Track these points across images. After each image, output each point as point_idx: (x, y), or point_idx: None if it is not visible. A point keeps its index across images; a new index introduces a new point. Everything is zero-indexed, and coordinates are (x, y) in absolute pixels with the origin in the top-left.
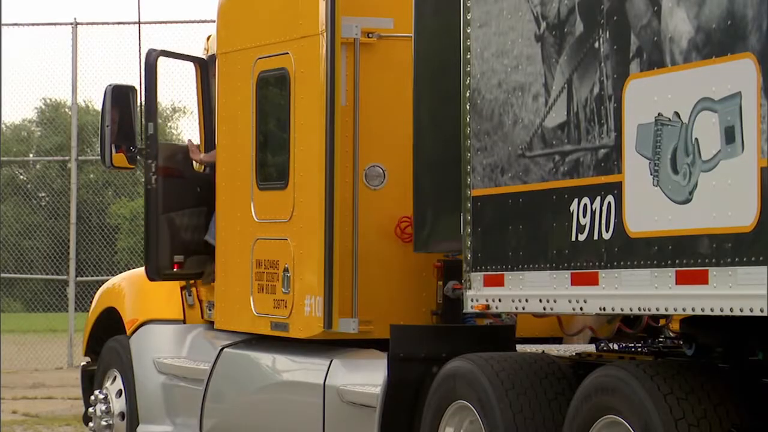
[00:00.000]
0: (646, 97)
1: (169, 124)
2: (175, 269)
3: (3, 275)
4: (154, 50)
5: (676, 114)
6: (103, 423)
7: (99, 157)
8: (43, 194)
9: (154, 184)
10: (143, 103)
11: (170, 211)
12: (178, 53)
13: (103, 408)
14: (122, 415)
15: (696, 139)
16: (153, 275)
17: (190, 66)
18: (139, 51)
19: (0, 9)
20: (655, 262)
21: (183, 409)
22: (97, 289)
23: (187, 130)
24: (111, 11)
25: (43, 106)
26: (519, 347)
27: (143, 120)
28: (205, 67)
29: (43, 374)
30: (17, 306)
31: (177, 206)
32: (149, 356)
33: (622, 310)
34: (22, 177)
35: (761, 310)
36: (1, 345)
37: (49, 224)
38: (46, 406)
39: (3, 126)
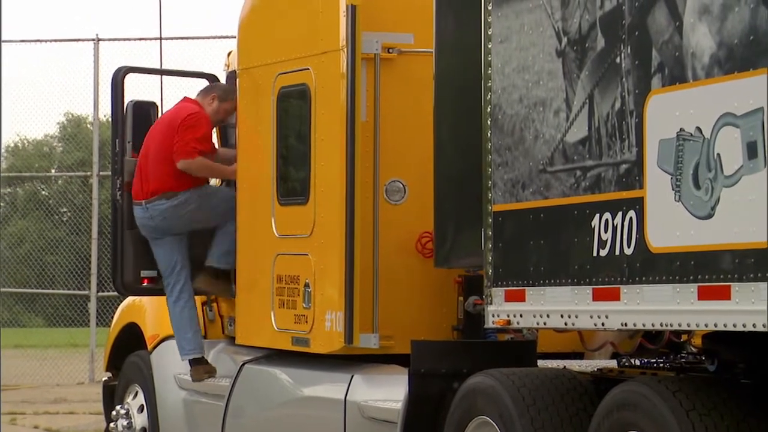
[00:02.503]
0: (668, 112)
1: None
2: (144, 284)
3: (25, 290)
4: (122, 68)
5: (698, 129)
6: None
7: None
8: (65, 209)
9: (120, 200)
10: (111, 119)
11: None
12: (144, 68)
13: (125, 423)
14: (144, 431)
15: (718, 154)
16: (120, 289)
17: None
18: (160, 66)
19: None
20: (677, 277)
21: (204, 424)
22: (119, 305)
23: None
24: (133, 27)
25: (65, 122)
26: (540, 363)
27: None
28: None
29: (65, 389)
30: (39, 321)
31: None
32: (170, 372)
33: (643, 325)
34: (44, 192)
35: None
36: (22, 360)
37: (70, 239)
38: (68, 421)
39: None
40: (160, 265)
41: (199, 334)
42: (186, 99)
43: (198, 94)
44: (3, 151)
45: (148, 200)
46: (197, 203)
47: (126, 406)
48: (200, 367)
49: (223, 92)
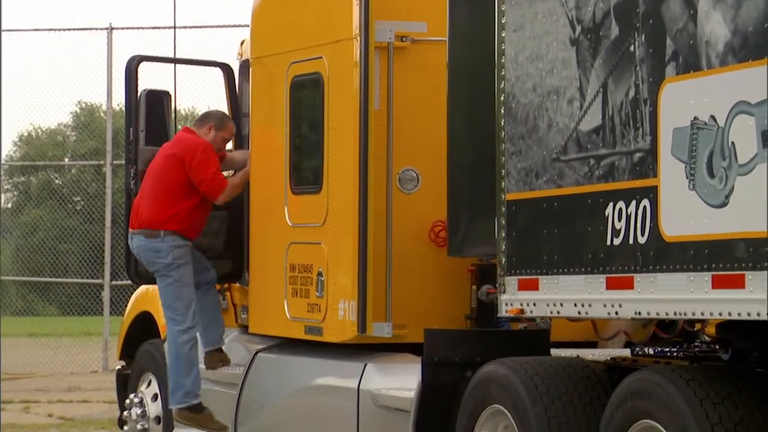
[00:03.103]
0: (682, 100)
1: None
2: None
3: (39, 279)
4: (136, 56)
5: (713, 118)
6: (139, 427)
7: None
8: (79, 198)
9: (133, 189)
10: (125, 108)
11: None
12: (158, 57)
13: (139, 412)
14: (158, 419)
15: (732, 142)
16: (133, 278)
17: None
18: (174, 55)
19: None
20: (691, 266)
21: (217, 412)
22: (132, 294)
23: None
24: (146, 16)
25: (79, 111)
26: (553, 351)
27: (175, 124)
28: (231, 73)
29: (79, 378)
30: (52, 310)
31: None
32: None
33: (657, 314)
34: (57, 181)
35: None
36: (35, 349)
37: (84, 228)
38: (82, 409)
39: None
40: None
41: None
42: (186, 129)
43: (194, 125)
44: (16, 139)
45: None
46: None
47: (140, 395)
48: (215, 355)
49: (218, 121)
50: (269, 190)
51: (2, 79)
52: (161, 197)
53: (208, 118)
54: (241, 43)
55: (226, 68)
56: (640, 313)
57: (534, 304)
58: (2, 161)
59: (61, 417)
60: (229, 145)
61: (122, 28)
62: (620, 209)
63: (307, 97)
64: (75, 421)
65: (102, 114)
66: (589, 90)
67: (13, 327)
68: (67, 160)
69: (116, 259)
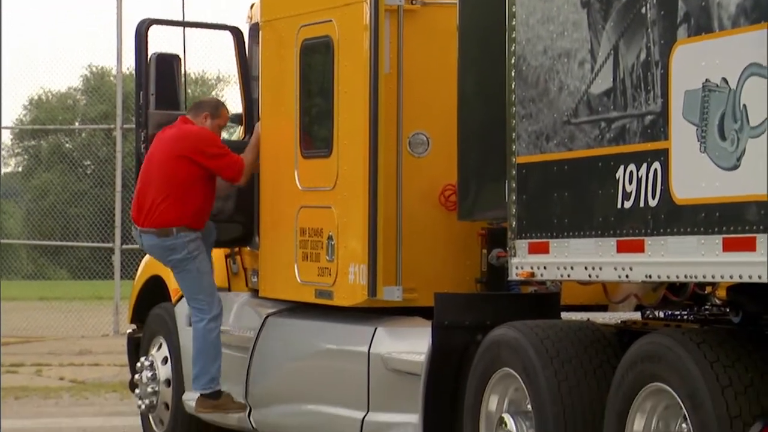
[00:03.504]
0: (694, 62)
1: (213, 93)
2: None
3: (49, 243)
4: (146, 20)
5: (724, 80)
6: (149, 390)
7: None
8: (89, 162)
9: (144, 153)
10: (135, 72)
11: None
12: (168, 20)
13: (149, 375)
14: (168, 382)
15: (744, 105)
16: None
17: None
18: (183, 18)
19: None
20: (701, 229)
21: (228, 376)
22: (143, 257)
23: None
24: None
25: (89, 75)
26: (564, 315)
27: (185, 88)
28: (241, 36)
29: (90, 341)
30: (63, 273)
31: None
32: None
33: (668, 277)
34: (67, 145)
35: None
36: (47, 312)
37: (94, 192)
38: (93, 372)
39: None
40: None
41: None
42: (183, 119)
43: (189, 113)
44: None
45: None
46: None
47: (150, 358)
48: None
49: (213, 108)
50: (279, 153)
51: (2, 41)
52: (171, 195)
53: (203, 106)
54: (251, 6)
55: (235, 31)
56: (650, 277)
57: (544, 268)
58: (12, 124)
59: (72, 380)
60: (239, 109)
61: None
62: (631, 172)
63: (317, 60)
64: (86, 384)
65: (112, 78)
66: (601, 52)
67: (24, 290)
68: (77, 123)
69: (127, 223)
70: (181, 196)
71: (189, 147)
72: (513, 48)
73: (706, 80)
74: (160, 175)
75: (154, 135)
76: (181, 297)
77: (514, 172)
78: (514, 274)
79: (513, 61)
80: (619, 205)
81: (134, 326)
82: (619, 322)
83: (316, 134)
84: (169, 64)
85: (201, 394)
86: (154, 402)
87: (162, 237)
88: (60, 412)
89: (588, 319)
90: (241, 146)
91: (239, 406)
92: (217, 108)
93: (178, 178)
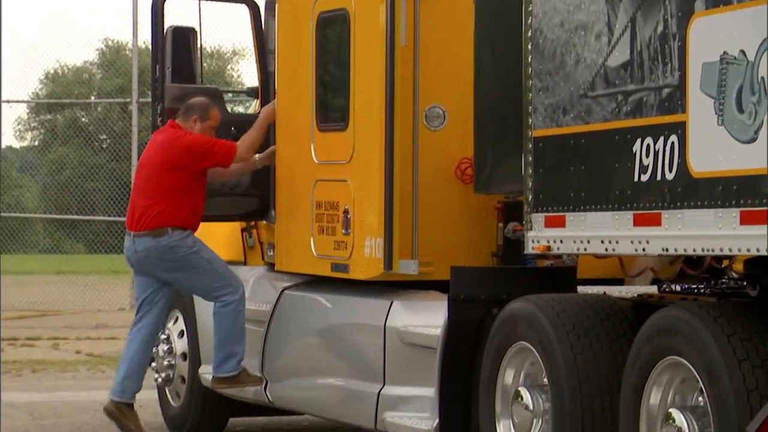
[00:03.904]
0: (712, 35)
1: (229, 66)
2: None
3: (66, 217)
4: None
5: (742, 52)
6: (165, 363)
7: None
8: (105, 137)
9: (160, 126)
10: (151, 46)
11: None
12: None
13: (165, 348)
14: (184, 356)
15: (762, 77)
16: None
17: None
18: None
19: None
20: (719, 202)
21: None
22: None
23: (247, 73)
24: None
25: (104, 48)
26: (580, 288)
27: (201, 61)
28: (257, 10)
29: (106, 315)
30: (80, 247)
31: None
32: None
33: (685, 250)
34: (83, 119)
35: None
36: (63, 286)
37: (110, 166)
38: (109, 346)
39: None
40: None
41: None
42: (172, 124)
43: (179, 117)
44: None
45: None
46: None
47: (167, 332)
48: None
49: (202, 111)
50: (296, 127)
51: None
52: (162, 201)
53: (192, 109)
54: None
55: (252, 5)
56: (667, 250)
57: (561, 241)
58: (28, 98)
59: (89, 354)
60: (255, 82)
61: None
62: (648, 145)
63: (333, 33)
64: (103, 358)
65: (128, 52)
66: (617, 25)
67: (41, 264)
68: (93, 98)
69: None
70: (171, 201)
71: (176, 159)
72: (530, 21)
73: (724, 53)
74: (150, 184)
75: (170, 109)
76: None
77: (530, 146)
78: (531, 247)
79: (529, 33)
80: (635, 179)
81: None
82: (635, 295)
83: (332, 107)
84: (185, 37)
85: (224, 377)
86: (171, 375)
87: (158, 237)
88: (77, 386)
89: (604, 293)
90: (254, 120)
91: (256, 380)
92: (206, 110)
93: (167, 186)
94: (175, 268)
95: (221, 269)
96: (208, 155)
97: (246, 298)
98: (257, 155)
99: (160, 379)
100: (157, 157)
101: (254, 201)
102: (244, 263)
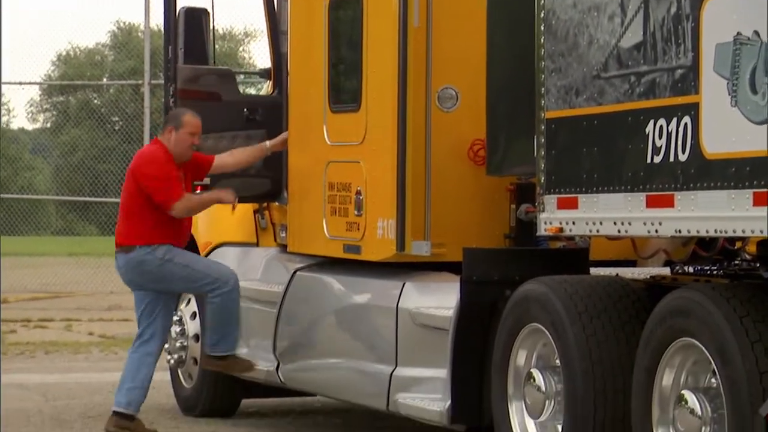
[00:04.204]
0: (725, 16)
1: (241, 47)
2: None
3: (78, 198)
4: None
5: (756, 33)
6: (178, 344)
7: None
8: (117, 119)
9: (173, 107)
10: (164, 26)
11: None
12: None
13: (178, 330)
14: (196, 337)
15: None
16: None
17: None
18: None
19: None
20: (732, 183)
21: (256, 331)
22: None
23: (259, 54)
24: None
25: (116, 30)
26: (592, 270)
27: (213, 42)
28: None
29: (119, 296)
30: (92, 229)
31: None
32: None
33: (698, 232)
34: (96, 101)
35: None
36: (76, 268)
37: (123, 148)
38: (122, 328)
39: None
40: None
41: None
42: (154, 140)
43: (159, 134)
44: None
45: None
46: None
47: (179, 313)
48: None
49: (174, 121)
50: (308, 108)
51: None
52: (130, 215)
53: (166, 122)
54: None
55: None
56: (680, 231)
57: (573, 223)
58: (41, 80)
59: (101, 335)
60: (268, 62)
61: None
62: (661, 126)
63: (345, 14)
64: (116, 339)
65: (140, 33)
66: (631, 6)
67: (53, 246)
68: (105, 79)
69: None
70: (136, 219)
71: (133, 186)
72: (542, 2)
73: (738, 33)
74: (121, 203)
75: (183, 90)
76: (212, 250)
77: (543, 127)
78: (543, 229)
79: (542, 15)
80: (648, 160)
81: None
82: (648, 277)
83: (344, 89)
84: (197, 18)
85: (218, 357)
86: (183, 357)
87: (128, 253)
88: (90, 367)
89: (617, 275)
90: (267, 102)
91: (244, 368)
92: (177, 118)
93: (131, 205)
94: (155, 280)
95: (202, 267)
96: (151, 192)
97: (255, 278)
98: (268, 142)
99: (172, 361)
100: (126, 181)
101: (266, 182)
102: (257, 245)
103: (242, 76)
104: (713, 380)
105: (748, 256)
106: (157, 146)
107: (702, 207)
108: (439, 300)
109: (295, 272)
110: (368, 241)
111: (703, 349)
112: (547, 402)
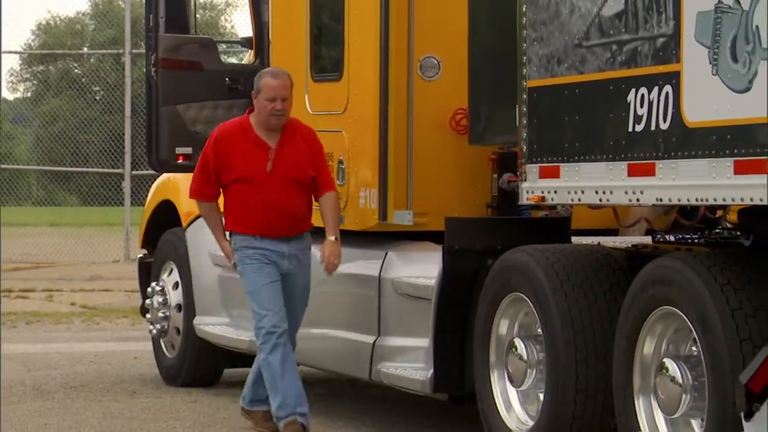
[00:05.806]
0: None
1: (222, 16)
2: (180, 161)
3: (59, 169)
4: None
5: (737, 1)
6: (160, 314)
7: None
8: (98, 88)
9: (154, 77)
10: None
11: (172, 103)
12: None
13: (160, 300)
14: (179, 307)
15: (756, 26)
16: (155, 166)
17: None
18: None
19: None
20: (713, 152)
21: (238, 301)
22: (153, 183)
23: (240, 23)
24: None
25: None
26: (574, 239)
27: (195, 11)
28: None
29: (100, 267)
30: (74, 200)
31: (181, 99)
32: (205, 249)
33: (679, 200)
34: (76, 71)
35: None
36: (57, 238)
37: (104, 119)
38: (103, 298)
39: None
40: None
41: None
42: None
43: None
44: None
45: None
46: None
47: (161, 283)
48: None
49: (256, 83)
50: None
51: None
52: None
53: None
54: None
55: None
56: (661, 200)
57: (555, 192)
58: (20, 49)
59: (83, 306)
60: (249, 31)
61: None
62: (642, 95)
63: None
64: (97, 310)
65: (121, 2)
66: None
67: (35, 216)
68: (85, 49)
69: (136, 148)
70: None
71: None
72: None
73: (719, 2)
74: None
75: (164, 59)
76: (194, 220)
77: (525, 96)
78: (525, 198)
79: None
80: (630, 129)
81: (145, 251)
82: (629, 246)
83: (326, 58)
84: None
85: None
86: (165, 327)
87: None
88: (72, 337)
89: (598, 243)
90: (249, 71)
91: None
92: (257, 81)
93: None
94: None
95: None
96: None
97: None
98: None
99: (155, 331)
100: None
101: None
102: None
103: (224, 45)
104: (694, 348)
105: (729, 225)
106: (234, 120)
107: (683, 175)
108: (421, 269)
109: None
110: (350, 210)
111: (684, 317)
112: (529, 371)
